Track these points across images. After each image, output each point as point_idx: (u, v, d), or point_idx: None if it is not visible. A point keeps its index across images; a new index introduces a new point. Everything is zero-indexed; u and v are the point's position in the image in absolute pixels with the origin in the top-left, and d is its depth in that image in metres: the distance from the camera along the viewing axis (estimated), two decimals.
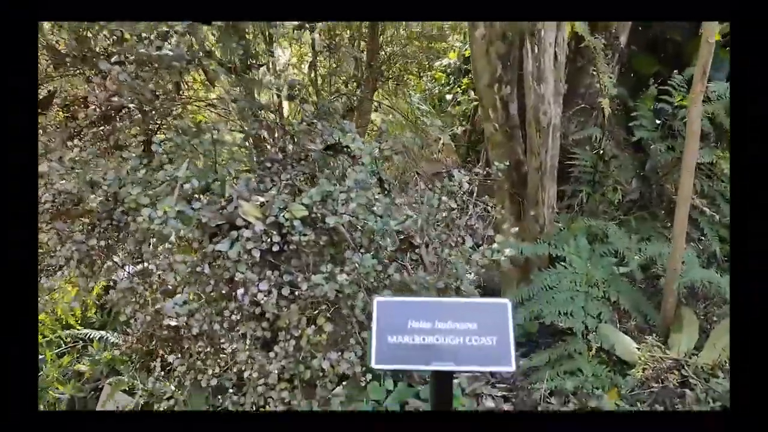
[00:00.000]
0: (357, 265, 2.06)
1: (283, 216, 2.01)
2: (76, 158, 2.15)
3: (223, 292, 2.23)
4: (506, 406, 2.43)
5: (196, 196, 2.12)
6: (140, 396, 3.08)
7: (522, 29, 3.01)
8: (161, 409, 2.89)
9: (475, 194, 3.18)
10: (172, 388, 2.89)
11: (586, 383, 2.30)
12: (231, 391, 2.58)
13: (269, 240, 2.03)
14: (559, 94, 3.02)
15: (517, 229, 3.37)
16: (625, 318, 2.86)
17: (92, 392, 3.74)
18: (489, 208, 3.07)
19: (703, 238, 3.65)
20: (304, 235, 2.02)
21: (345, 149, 2.22)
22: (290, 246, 2.09)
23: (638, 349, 2.42)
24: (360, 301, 2.13)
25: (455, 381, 2.62)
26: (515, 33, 3.14)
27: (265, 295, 2.02)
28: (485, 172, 3.12)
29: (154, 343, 2.83)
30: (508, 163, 3.17)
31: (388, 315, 1.30)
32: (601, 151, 4.04)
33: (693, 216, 3.86)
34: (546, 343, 2.83)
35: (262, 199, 2.08)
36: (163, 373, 2.83)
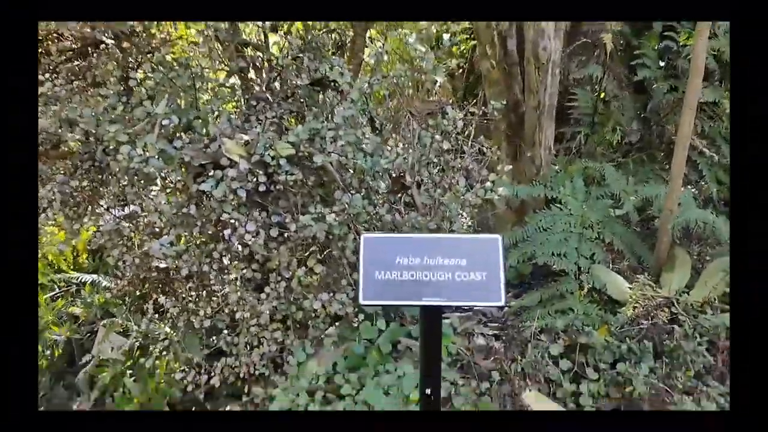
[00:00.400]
0: (347, 205, 2.01)
1: (269, 154, 1.93)
2: (49, 93, 2.04)
3: (210, 233, 2.18)
4: (497, 344, 2.46)
5: (178, 134, 2.04)
6: (134, 338, 3.12)
7: None
8: (156, 352, 2.94)
9: (471, 135, 3.10)
10: (167, 329, 2.92)
11: (576, 321, 2.32)
12: (225, 332, 2.60)
13: (255, 180, 1.96)
14: (560, 29, 2.87)
15: (510, 168, 3.32)
16: (619, 259, 2.85)
17: (88, 334, 3.80)
18: (485, 149, 2.98)
19: (700, 180, 3.61)
20: (291, 174, 1.96)
21: (333, 84, 2.11)
22: (277, 186, 2.03)
23: (630, 288, 2.42)
24: (350, 243, 2.10)
25: (446, 321, 2.64)
26: None
27: (252, 236, 1.98)
28: (481, 112, 3.03)
29: (145, 285, 2.82)
30: (505, 102, 3.06)
31: (375, 251, 1.26)
32: (602, 92, 3.92)
33: (692, 157, 3.80)
34: (539, 284, 2.83)
35: (246, 138, 1.99)
36: (156, 315, 2.84)
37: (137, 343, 3.20)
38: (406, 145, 2.58)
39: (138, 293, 2.98)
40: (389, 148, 2.46)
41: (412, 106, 3.07)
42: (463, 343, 2.46)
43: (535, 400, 1.82)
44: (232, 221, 1.99)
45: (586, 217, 2.93)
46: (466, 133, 3.11)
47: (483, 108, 3.01)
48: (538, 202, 3.28)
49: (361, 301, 1.25)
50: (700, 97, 2.50)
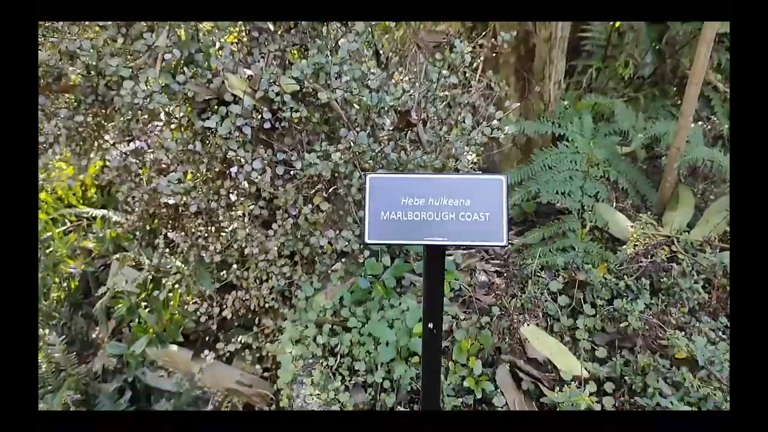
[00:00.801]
0: (352, 143, 2.00)
1: (273, 90, 1.90)
2: (47, 24, 1.98)
3: (217, 170, 2.20)
4: (498, 280, 2.53)
5: (181, 69, 1.99)
6: (147, 271, 3.22)
7: None
8: (169, 285, 3.04)
9: (480, 69, 3.01)
10: (178, 263, 3.01)
11: (577, 258, 2.37)
12: (235, 266, 2.69)
13: (260, 116, 1.95)
14: None
15: (518, 104, 3.26)
16: (623, 197, 2.86)
17: (102, 267, 3.92)
18: (493, 84, 2.91)
19: (712, 116, 3.53)
20: (296, 111, 1.94)
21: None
22: (282, 123, 2.01)
23: (631, 227, 2.45)
24: (356, 181, 2.11)
25: (450, 258, 2.70)
26: None
27: (259, 174, 1.99)
28: (490, 45, 2.93)
29: (155, 221, 2.87)
30: (515, 33, 2.94)
31: (381, 192, 1.27)
32: (617, 21, 3.75)
33: (705, 92, 3.70)
34: (542, 222, 2.87)
35: (249, 72, 1.95)
36: (167, 249, 2.92)
37: (150, 277, 3.32)
38: (413, 80, 2.53)
39: (148, 228, 3.04)
40: (394, 83, 2.41)
41: (418, 37, 2.96)
42: (466, 279, 2.53)
43: (532, 335, 1.91)
44: (238, 158, 2.00)
45: (593, 155, 2.91)
46: (474, 66, 3.02)
47: (492, 40, 2.90)
48: (545, 139, 3.25)
49: (367, 240, 1.29)
50: (718, 28, 2.39)
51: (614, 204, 2.77)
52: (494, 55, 3.43)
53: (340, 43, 1.97)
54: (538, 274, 2.22)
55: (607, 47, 3.79)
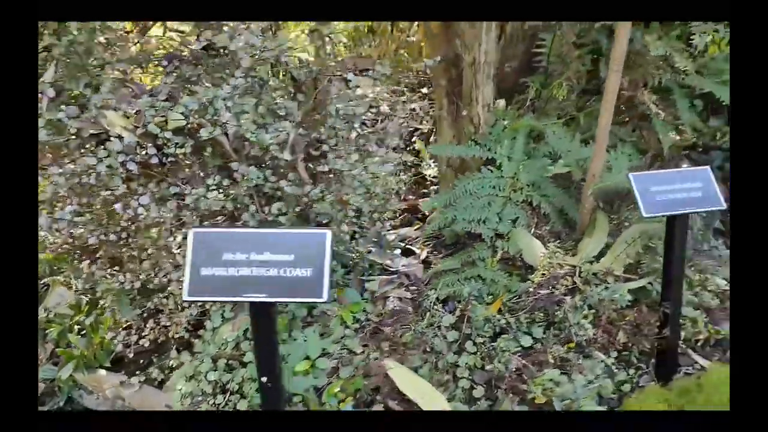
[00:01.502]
0: (243, 177, 1.99)
1: (156, 126, 1.90)
2: None
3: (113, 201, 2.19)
4: (410, 307, 2.52)
5: (67, 104, 1.99)
6: (76, 294, 3.21)
7: None
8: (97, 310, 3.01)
9: (405, 95, 3.01)
10: (98, 289, 2.99)
11: (483, 289, 2.36)
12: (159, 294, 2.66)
13: (144, 153, 1.94)
14: None
15: (449, 127, 3.26)
16: (543, 223, 2.85)
17: (44, 287, 3.91)
18: (418, 108, 2.91)
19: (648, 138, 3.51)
20: (181, 147, 1.93)
21: (222, 50, 2.03)
22: (169, 158, 2.01)
23: (541, 255, 2.43)
24: (250, 216, 2.10)
25: (368, 284, 2.69)
26: None
27: (146, 209, 1.98)
28: (415, 70, 2.93)
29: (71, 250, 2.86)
30: (438, 59, 2.94)
31: (203, 246, 1.26)
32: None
33: (646, 113, 3.68)
34: (462, 249, 2.85)
35: (136, 108, 1.95)
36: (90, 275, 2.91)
37: (82, 299, 3.31)
38: (324, 110, 2.52)
39: (68, 255, 3.03)
40: (302, 113, 2.40)
41: (343, 62, 2.95)
42: (377, 308, 2.52)
43: (398, 375, 1.86)
44: (125, 193, 1.99)
45: (516, 180, 2.90)
46: (401, 91, 3.02)
47: (422, 64, 2.90)
48: (478, 162, 3.24)
49: (185, 298, 1.28)
50: (625, 55, 2.38)
51: (533, 230, 2.76)
52: (427, 78, 3.43)
53: (230, 79, 1.96)
54: (435, 307, 2.21)
55: (548, 64, 3.77)
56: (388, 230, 3.35)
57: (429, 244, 3.20)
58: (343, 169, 2.25)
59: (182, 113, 1.90)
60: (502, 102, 3.78)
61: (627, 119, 3.93)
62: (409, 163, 3.42)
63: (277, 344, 1.34)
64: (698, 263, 2.71)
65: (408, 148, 3.36)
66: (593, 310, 2.05)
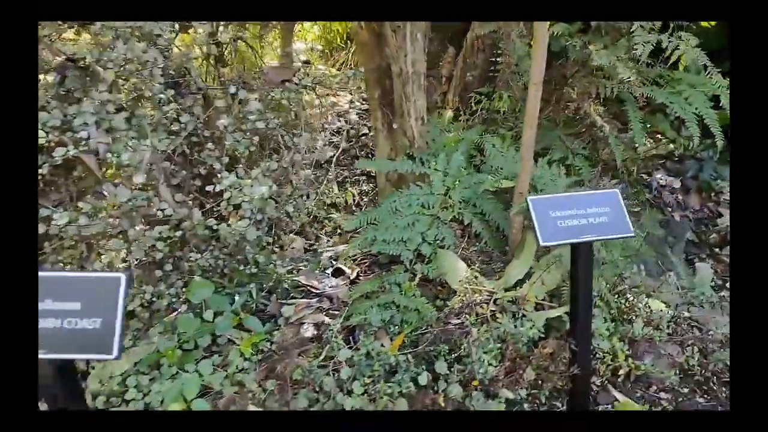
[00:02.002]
0: (114, 196, 1.83)
1: None
2: None
3: None
4: (325, 336, 2.35)
5: None
6: None
7: None
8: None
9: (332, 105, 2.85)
10: None
11: (396, 316, 2.19)
12: None
13: None
14: None
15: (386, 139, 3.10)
16: (473, 243, 2.68)
17: None
18: (339, 120, 2.75)
19: (593, 154, 3.37)
20: (47, 165, 1.77)
21: (82, 62, 1.86)
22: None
23: (459, 281, 2.27)
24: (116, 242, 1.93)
25: (284, 309, 2.52)
26: None
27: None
28: (340, 80, 2.78)
29: None
30: (362, 69, 2.79)
31: None
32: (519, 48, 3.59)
33: (595, 126, 3.53)
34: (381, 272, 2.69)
35: None
36: None
37: None
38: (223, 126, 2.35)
39: None
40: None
41: (259, 71, 2.79)
42: (296, 332, 2.35)
43: None
44: None
45: (449, 196, 2.74)
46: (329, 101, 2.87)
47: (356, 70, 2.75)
48: (420, 176, 3.08)
49: None
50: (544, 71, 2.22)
51: (460, 251, 2.59)
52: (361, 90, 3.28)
53: (92, 92, 1.80)
54: (335, 338, 2.03)
55: (496, 74, 3.63)
56: (327, 248, 3.19)
57: (365, 263, 3.03)
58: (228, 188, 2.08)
59: (42, 129, 1.74)
60: (449, 113, 3.64)
61: (584, 130, 3.79)
62: (348, 177, 3.28)
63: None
64: (640, 285, 2.55)
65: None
66: (501, 344, 1.87)
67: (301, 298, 2.70)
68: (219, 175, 2.03)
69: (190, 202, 2.09)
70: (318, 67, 6.10)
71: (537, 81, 2.19)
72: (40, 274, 1.09)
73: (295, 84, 2.51)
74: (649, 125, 5.06)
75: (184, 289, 2.39)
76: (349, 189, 3.71)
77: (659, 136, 6.06)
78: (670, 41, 2.92)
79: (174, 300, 2.37)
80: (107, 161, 1.79)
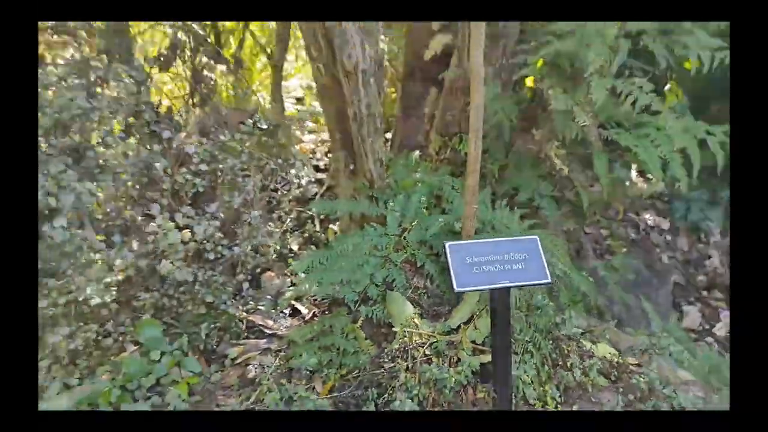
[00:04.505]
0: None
1: None
2: None
3: None
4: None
5: None
6: None
7: None
8: None
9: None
10: None
11: (335, 359, 2.18)
12: None
13: None
14: (371, 36, 2.65)
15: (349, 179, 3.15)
16: (422, 284, 2.68)
17: None
18: (302, 162, 2.81)
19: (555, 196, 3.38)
20: None
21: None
22: None
23: (401, 324, 2.26)
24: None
25: (231, 349, 2.52)
26: None
27: None
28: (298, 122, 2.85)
29: None
30: (322, 110, 2.86)
31: None
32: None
33: (554, 166, 3.56)
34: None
35: None
36: None
37: None
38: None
39: None
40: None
41: (222, 115, 2.88)
42: (233, 377, 2.34)
43: None
44: None
45: (404, 237, 2.76)
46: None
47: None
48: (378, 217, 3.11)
49: None
50: (484, 116, 2.27)
51: (409, 293, 2.59)
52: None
53: None
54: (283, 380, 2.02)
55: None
56: (288, 287, 3.20)
57: (324, 303, 3.03)
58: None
59: None
60: (415, 154, 3.70)
61: (553, 172, 3.81)
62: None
63: None
64: (593, 329, 2.52)
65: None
66: (429, 389, 1.85)
67: (254, 338, 2.70)
68: (159, 215, 2.08)
69: (134, 242, 2.13)
70: (312, 104, 6.26)
71: (476, 128, 2.24)
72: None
73: (251, 126, 2.58)
74: (635, 165, 5.07)
75: (131, 328, 2.41)
76: (331, 226, 3.74)
77: (648, 176, 6.06)
78: (624, 86, 2.98)
79: (120, 339, 2.39)
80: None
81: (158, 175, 2.09)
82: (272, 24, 5.08)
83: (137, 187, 2.16)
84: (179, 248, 2.16)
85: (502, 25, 3.41)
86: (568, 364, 2.05)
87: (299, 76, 6.97)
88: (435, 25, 3.49)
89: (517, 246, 1.72)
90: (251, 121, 2.61)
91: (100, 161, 2.09)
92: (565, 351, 2.11)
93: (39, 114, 1.83)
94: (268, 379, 2.02)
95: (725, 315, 5.34)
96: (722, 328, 5.14)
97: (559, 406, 1.90)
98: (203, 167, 2.18)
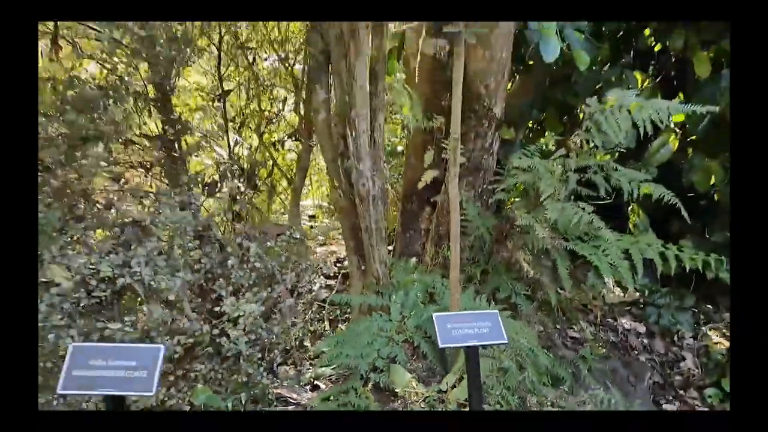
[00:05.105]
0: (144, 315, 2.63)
1: (88, 277, 2.60)
2: None
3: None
4: None
5: None
6: None
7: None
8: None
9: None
10: None
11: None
12: None
13: (77, 296, 2.61)
14: (378, 170, 3.62)
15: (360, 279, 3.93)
16: (419, 360, 3.34)
17: None
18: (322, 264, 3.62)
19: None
20: (104, 291, 2.60)
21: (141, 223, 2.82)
22: (94, 299, 2.67)
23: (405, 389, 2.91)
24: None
25: None
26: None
27: (74, 340, 2.58)
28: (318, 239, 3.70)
29: None
30: (340, 226, 3.74)
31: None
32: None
33: (527, 271, 4.36)
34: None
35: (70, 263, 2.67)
36: None
37: None
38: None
39: None
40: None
41: (262, 228, 3.76)
42: None
43: None
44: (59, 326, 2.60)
45: (404, 323, 3.48)
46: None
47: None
48: (382, 308, 3.84)
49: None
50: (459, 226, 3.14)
51: (408, 365, 3.25)
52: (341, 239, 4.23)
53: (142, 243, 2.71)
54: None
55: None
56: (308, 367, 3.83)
57: (339, 381, 3.64)
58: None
59: (109, 266, 2.61)
60: (413, 260, 4.53)
61: (528, 275, 4.60)
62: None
63: None
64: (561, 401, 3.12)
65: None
66: None
67: (281, 407, 3.29)
68: (224, 300, 2.84)
69: (202, 321, 2.86)
70: (323, 220, 7.25)
71: (455, 234, 3.08)
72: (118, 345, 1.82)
73: (287, 237, 3.43)
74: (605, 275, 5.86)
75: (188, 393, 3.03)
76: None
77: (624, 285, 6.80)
78: (571, 208, 3.88)
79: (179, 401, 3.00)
80: (150, 287, 2.62)
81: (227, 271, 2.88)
82: (293, 155, 6.24)
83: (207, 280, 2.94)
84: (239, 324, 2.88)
85: (481, 158, 4.44)
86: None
87: (313, 197, 8.05)
88: (427, 159, 4.49)
89: (483, 317, 2.45)
90: (288, 233, 3.47)
91: (181, 261, 2.89)
92: (527, 403, 2.74)
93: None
94: None
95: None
96: None
97: None
98: (258, 264, 2.98)
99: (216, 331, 2.70)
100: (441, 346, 2.35)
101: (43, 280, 2.65)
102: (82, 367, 1.80)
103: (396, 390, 3.00)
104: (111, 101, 3.03)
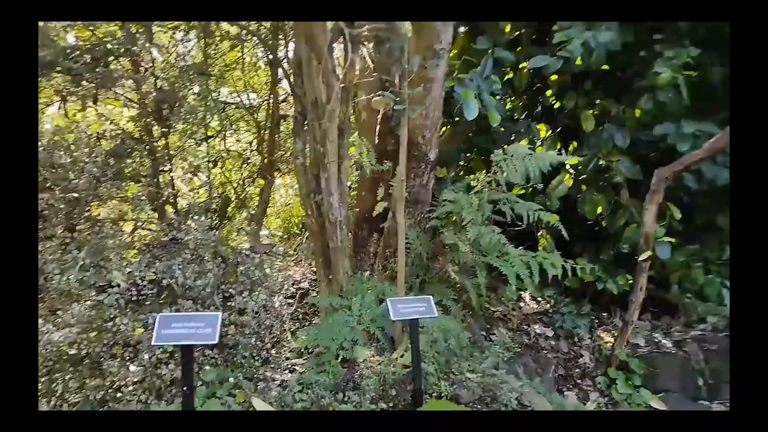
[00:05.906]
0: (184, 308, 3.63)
1: (140, 279, 3.58)
2: None
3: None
4: None
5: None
6: None
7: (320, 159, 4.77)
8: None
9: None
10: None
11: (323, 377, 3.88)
12: None
13: (129, 294, 3.57)
14: (344, 203, 4.79)
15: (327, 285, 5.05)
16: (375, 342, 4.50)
17: None
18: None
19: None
20: (151, 290, 3.59)
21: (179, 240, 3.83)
22: (142, 298, 3.64)
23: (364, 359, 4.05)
24: None
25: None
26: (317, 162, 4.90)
27: (130, 330, 3.52)
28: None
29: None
30: (315, 244, 4.87)
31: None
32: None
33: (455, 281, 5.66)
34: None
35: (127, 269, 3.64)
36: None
37: None
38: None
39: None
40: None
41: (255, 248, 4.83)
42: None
43: None
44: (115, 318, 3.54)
45: (362, 317, 4.63)
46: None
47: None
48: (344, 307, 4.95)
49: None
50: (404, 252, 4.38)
51: (367, 344, 4.39)
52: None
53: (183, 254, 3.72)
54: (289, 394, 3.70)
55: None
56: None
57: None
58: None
59: (154, 272, 3.60)
60: (367, 273, 5.70)
61: (458, 285, 5.88)
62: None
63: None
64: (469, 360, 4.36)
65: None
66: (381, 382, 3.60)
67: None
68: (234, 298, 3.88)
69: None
70: (278, 247, 8.30)
71: (401, 249, 4.29)
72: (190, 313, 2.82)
73: (271, 252, 4.52)
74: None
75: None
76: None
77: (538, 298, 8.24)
78: (485, 230, 5.20)
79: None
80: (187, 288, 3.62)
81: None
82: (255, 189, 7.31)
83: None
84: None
85: (420, 192, 5.70)
86: (456, 372, 3.88)
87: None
88: (380, 194, 5.69)
89: (421, 300, 3.63)
90: (273, 250, 4.56)
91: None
92: (452, 366, 3.94)
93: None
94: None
95: (594, 397, 7.23)
96: (591, 405, 6.99)
97: (447, 389, 3.67)
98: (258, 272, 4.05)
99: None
100: (392, 319, 3.51)
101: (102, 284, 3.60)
102: (167, 328, 2.72)
103: (358, 361, 4.13)
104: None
